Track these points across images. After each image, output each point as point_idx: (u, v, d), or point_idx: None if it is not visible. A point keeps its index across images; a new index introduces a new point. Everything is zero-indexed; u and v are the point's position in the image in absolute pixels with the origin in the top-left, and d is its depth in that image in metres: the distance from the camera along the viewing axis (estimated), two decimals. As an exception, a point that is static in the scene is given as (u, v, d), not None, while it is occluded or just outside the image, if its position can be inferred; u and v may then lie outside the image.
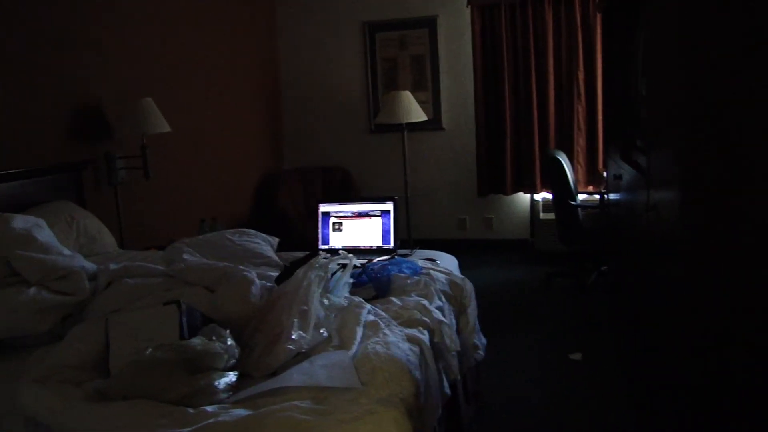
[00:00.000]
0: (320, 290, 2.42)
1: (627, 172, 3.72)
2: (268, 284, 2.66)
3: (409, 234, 5.94)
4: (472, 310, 3.14)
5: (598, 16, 5.58)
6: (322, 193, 6.28)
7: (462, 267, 3.69)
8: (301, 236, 5.36)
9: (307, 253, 2.78)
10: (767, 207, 2.11)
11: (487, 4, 6.10)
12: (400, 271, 2.99)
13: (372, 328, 2.39)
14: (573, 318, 4.64)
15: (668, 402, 2.72)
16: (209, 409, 1.90)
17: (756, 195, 2.12)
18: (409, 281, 2.92)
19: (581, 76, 5.97)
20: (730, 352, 2.28)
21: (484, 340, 3.28)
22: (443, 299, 2.92)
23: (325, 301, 2.44)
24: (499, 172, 6.22)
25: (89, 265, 2.94)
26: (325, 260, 2.52)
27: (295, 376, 2.06)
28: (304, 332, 2.25)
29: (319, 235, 3.72)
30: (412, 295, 2.82)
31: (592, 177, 6.05)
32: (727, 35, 2.12)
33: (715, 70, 2.16)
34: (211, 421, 1.82)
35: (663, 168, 2.70)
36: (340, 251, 2.86)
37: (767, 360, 2.21)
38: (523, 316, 4.71)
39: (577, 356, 3.94)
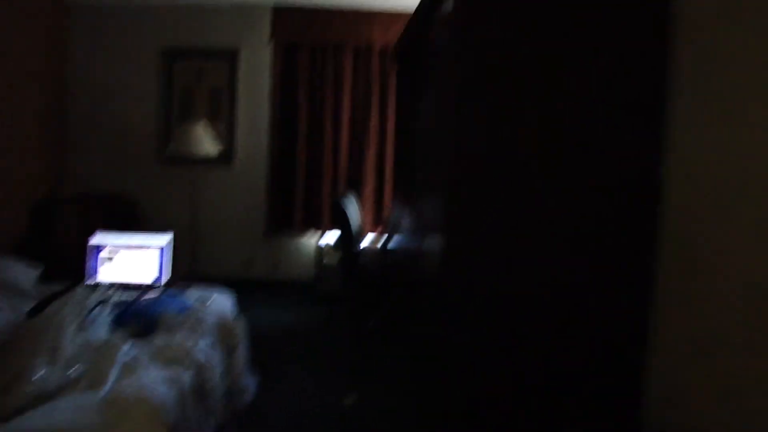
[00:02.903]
0: (75, 326, 2.28)
1: (406, 218, 3.89)
2: (17, 318, 2.47)
3: (192, 270, 5.78)
4: (241, 351, 3.11)
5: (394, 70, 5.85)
6: (105, 222, 5.92)
7: (245, 307, 3.64)
8: (80, 268, 5.03)
9: (66, 286, 2.61)
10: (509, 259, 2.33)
11: (289, 43, 6.18)
12: (169, 308, 2.90)
13: (129, 367, 2.30)
14: (351, 361, 4.72)
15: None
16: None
17: (498, 246, 2.34)
18: (176, 319, 2.84)
19: (374, 122, 6.19)
20: (490, 385, 2.45)
21: (253, 380, 3.25)
22: (213, 338, 2.87)
23: (79, 339, 2.30)
24: (288, 211, 6.24)
25: None
26: (83, 295, 2.38)
27: (32, 421, 1.91)
28: (51, 372, 2.10)
29: (87, 269, 3.51)
30: (179, 333, 2.74)
31: (379, 221, 6.25)
32: (473, 112, 2.32)
33: (468, 141, 2.35)
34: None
35: (432, 216, 2.86)
36: (101, 285, 2.72)
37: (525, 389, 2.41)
38: (301, 359, 4.71)
39: (350, 400, 3.99)
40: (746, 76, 1.84)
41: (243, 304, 3.65)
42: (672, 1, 2.27)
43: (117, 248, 3.53)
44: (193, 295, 3.36)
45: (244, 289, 5.92)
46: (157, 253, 3.53)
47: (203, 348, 2.70)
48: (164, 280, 3.51)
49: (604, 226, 2.37)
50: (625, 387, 2.45)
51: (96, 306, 2.54)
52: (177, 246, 3.58)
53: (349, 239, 5.07)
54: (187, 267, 5.76)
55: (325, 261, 6.14)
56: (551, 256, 2.39)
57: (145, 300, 2.96)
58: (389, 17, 6.03)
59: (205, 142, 5.71)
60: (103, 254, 3.53)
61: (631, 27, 2.30)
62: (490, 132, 2.35)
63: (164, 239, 3.54)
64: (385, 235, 5.60)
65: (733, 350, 1.86)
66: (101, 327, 2.52)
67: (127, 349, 2.41)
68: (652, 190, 2.36)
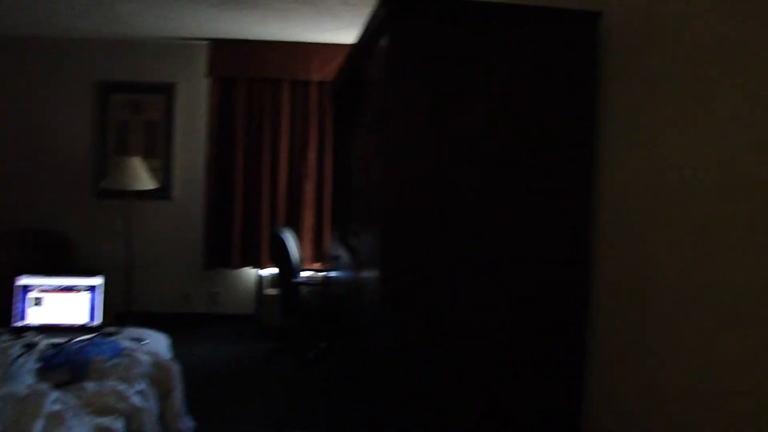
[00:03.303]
0: (-4, 378, 2.19)
1: (344, 253, 3.88)
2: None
3: (128, 307, 5.65)
4: (177, 393, 3.03)
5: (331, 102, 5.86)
6: (36, 260, 5.76)
7: (184, 342, 3.56)
8: (6, 310, 4.86)
9: (-10, 333, 2.52)
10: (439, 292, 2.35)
11: (226, 77, 6.14)
12: (100, 352, 2.81)
13: (55, 419, 2.21)
14: (294, 394, 4.66)
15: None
16: None
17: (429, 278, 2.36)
18: (108, 363, 2.76)
19: (313, 155, 6.19)
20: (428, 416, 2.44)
21: (190, 424, 3.18)
22: (146, 382, 2.80)
23: (2, 391, 2.21)
24: (226, 246, 6.16)
25: None
26: (6, 344, 2.30)
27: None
28: (-30, 428, 2.02)
29: (15, 311, 3.39)
30: (111, 378, 2.66)
31: (318, 254, 6.22)
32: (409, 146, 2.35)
33: (402, 173, 2.37)
34: None
35: (368, 249, 2.87)
36: (26, 332, 2.63)
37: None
38: (244, 394, 4.64)
39: (296, 435, 3.95)
40: (668, 99, 1.91)
41: (182, 339, 3.58)
42: (599, 28, 2.35)
43: (46, 289, 3.43)
44: (126, 337, 3.28)
45: (183, 324, 5.83)
46: (88, 294, 3.43)
47: (137, 393, 2.63)
48: (96, 321, 3.41)
49: (538, 253, 2.41)
50: (565, 410, 2.48)
51: (21, 354, 2.45)
52: (112, 282, 3.49)
53: (289, 271, 5.04)
54: (122, 304, 5.62)
55: (265, 293, 6.08)
56: (486, 285, 2.41)
57: (74, 344, 2.87)
58: (326, 50, 6.06)
59: (141, 176, 5.62)
60: (31, 295, 3.42)
61: (560, 50, 2.36)
62: (423, 164, 2.37)
63: (96, 279, 3.45)
64: (325, 269, 5.58)
65: (668, 358, 1.90)
66: (26, 376, 2.43)
67: (54, 399, 2.32)
68: (586, 216, 2.41)
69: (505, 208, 2.39)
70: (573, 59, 2.38)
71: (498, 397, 2.46)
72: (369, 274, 2.81)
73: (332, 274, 4.67)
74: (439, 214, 2.38)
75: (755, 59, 1.55)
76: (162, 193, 6.15)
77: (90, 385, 2.57)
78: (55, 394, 2.35)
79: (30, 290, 3.41)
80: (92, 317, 3.42)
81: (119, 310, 5.40)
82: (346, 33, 5.58)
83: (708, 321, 1.70)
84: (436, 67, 2.32)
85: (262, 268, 6.17)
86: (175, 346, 3.64)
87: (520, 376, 2.46)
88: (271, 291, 6.00)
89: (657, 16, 2.00)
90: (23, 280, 3.42)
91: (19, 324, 3.33)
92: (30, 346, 2.50)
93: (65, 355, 2.75)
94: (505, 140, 2.37)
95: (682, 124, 1.84)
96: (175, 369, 3.07)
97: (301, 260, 5.81)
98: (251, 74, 6.12)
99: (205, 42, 6.08)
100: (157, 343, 3.36)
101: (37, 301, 3.40)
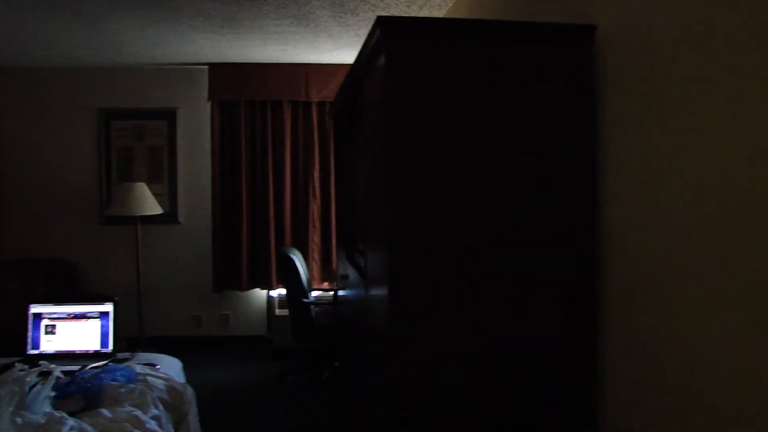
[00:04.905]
0: (12, 408, 2.19)
1: (352, 272, 3.88)
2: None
3: (140, 332, 5.65)
4: (192, 417, 3.02)
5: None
6: (44, 288, 5.77)
7: (195, 365, 3.56)
8: (19, 339, 4.86)
9: (5, 363, 2.52)
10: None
11: (227, 100, 6.18)
12: (114, 379, 2.81)
13: (73, 446, 2.21)
14: (308, 415, 4.64)
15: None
16: None
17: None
18: (122, 390, 2.76)
19: (317, 175, 6.21)
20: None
21: (206, 448, 3.17)
22: (161, 408, 2.79)
23: (18, 419, 2.21)
24: (235, 268, 6.18)
25: None
26: (21, 373, 2.30)
27: None
28: (-11, 457, 2.02)
29: (29, 340, 3.40)
30: (126, 405, 2.66)
31: (327, 274, 6.22)
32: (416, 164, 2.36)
33: (404, 192, 2.37)
34: None
35: (376, 269, 2.87)
36: (40, 361, 2.63)
37: None
38: (257, 416, 4.62)
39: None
40: (665, 107, 1.92)
41: (194, 362, 3.57)
42: (594, 41, 2.36)
43: (58, 317, 3.43)
44: (139, 362, 3.28)
45: (194, 347, 5.81)
46: (100, 320, 3.44)
47: (152, 419, 2.62)
48: (109, 347, 3.42)
49: (547, 265, 2.40)
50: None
51: (36, 382, 2.46)
52: (122, 308, 3.49)
53: (299, 291, 5.03)
54: (134, 329, 5.62)
55: (276, 314, 6.07)
56: (495, 298, 2.40)
57: (88, 371, 2.87)
58: (325, 71, 6.10)
59: (147, 201, 5.65)
60: (43, 323, 3.42)
61: (556, 64, 2.36)
62: (425, 180, 2.37)
63: (108, 306, 3.45)
64: (334, 288, 5.57)
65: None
66: (42, 404, 2.43)
67: (71, 427, 2.32)
68: (590, 224, 2.41)
69: (511, 221, 2.39)
70: (570, 73, 2.38)
71: (510, 416, 2.44)
72: (377, 292, 2.81)
73: (342, 293, 4.67)
74: (444, 229, 2.38)
75: (750, 62, 1.56)
76: (168, 217, 6.17)
77: (105, 412, 2.57)
78: (72, 422, 2.35)
79: (42, 318, 3.42)
80: (105, 343, 3.42)
81: (131, 335, 5.41)
82: (344, 53, 5.62)
83: (717, 323, 1.70)
84: (432, 85, 2.33)
85: (271, 289, 6.17)
86: (188, 369, 3.64)
87: (533, 391, 2.44)
88: (282, 312, 5.99)
89: (649, 26, 2.02)
90: (35, 309, 3.43)
91: (33, 352, 3.34)
92: (44, 375, 2.51)
93: (79, 383, 2.74)
94: (506, 154, 2.37)
95: (680, 131, 1.85)
96: (190, 393, 3.06)
97: (310, 280, 5.81)
98: (252, 97, 6.17)
99: (205, 66, 6.12)
100: (170, 367, 3.36)
101: (50, 329, 3.41)
